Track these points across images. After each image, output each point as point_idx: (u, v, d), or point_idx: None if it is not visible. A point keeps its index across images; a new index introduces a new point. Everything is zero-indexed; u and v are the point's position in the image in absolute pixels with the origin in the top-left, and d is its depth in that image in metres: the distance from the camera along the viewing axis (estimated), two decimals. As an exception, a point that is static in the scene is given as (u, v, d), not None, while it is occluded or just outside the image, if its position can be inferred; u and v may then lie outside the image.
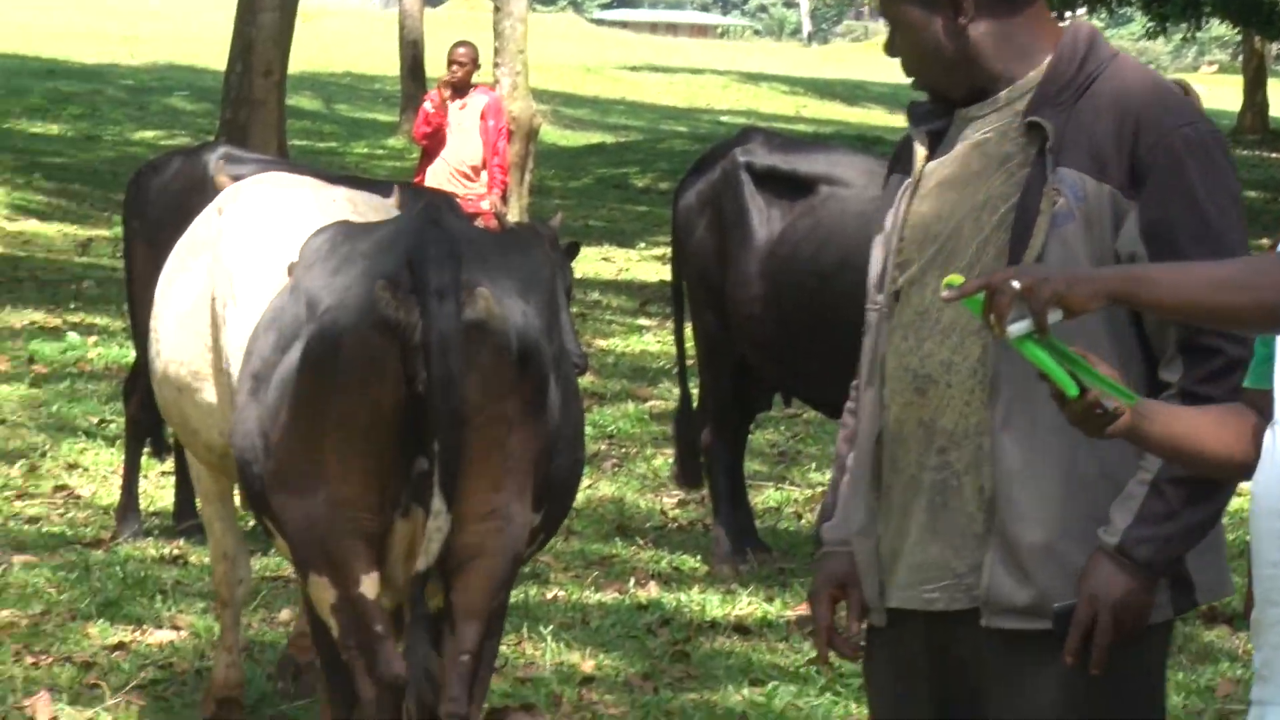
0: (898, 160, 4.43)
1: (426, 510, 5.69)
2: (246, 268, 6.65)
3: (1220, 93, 53.38)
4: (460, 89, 16.57)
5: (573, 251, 10.48)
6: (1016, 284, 3.43)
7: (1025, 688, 4.19)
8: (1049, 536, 4.14)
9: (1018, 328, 3.42)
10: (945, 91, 4.31)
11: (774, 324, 10.10)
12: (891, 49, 4.33)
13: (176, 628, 8.99)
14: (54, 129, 32.77)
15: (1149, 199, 4.09)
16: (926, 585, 4.25)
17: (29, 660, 8.47)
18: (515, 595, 9.71)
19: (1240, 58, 53.04)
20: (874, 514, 4.33)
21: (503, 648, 8.81)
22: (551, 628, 9.16)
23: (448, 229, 5.88)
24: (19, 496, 11.31)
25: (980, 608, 4.19)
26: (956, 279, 3.61)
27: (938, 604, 4.24)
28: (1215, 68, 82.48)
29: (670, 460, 12.02)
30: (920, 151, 4.30)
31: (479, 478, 5.76)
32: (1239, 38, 50.84)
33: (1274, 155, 41.87)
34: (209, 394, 6.95)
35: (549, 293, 6.13)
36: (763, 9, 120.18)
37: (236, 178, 9.69)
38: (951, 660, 4.27)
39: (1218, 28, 47.87)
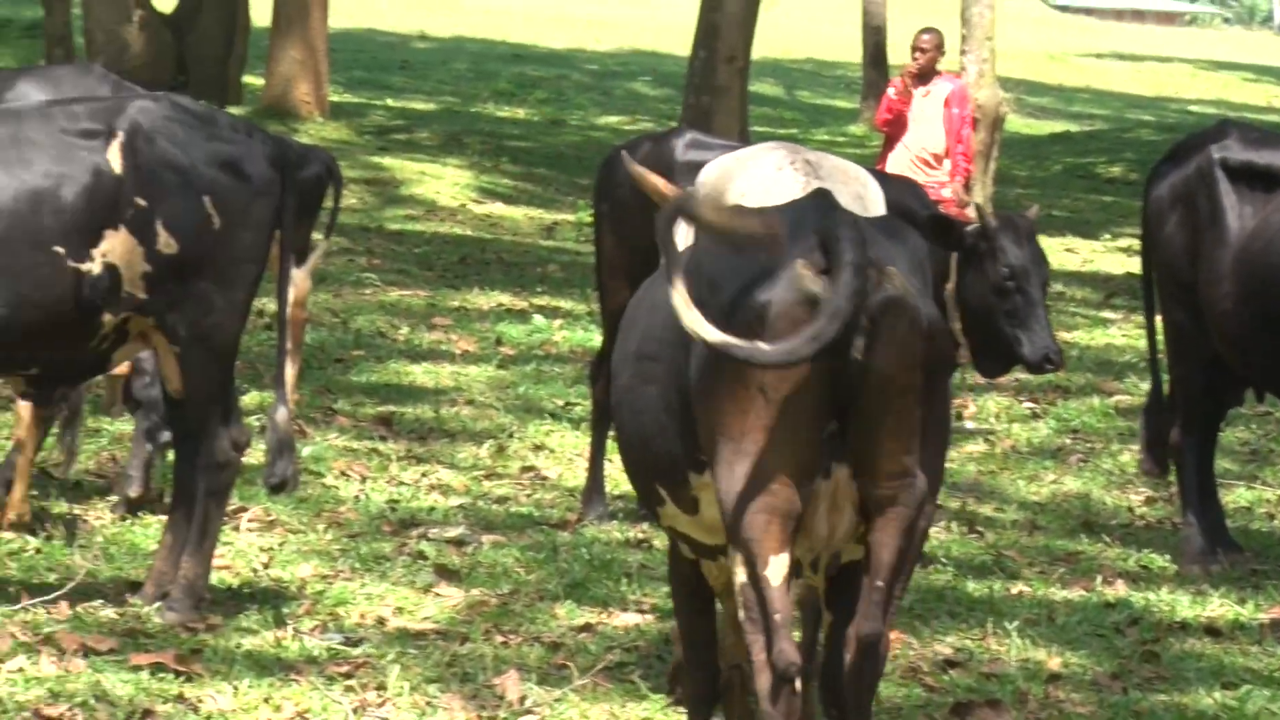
0: None
1: (875, 482, 6.01)
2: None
3: None
4: (924, 76, 16.48)
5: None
6: None
7: None
8: None
9: None
10: None
11: (1248, 320, 9.95)
12: None
13: (642, 610, 9.07)
14: (520, 113, 33.26)
15: None
16: None
17: (498, 639, 8.58)
18: (980, 589, 9.69)
19: None
20: None
21: (968, 642, 8.85)
22: (1017, 623, 9.08)
23: (846, 212, 6.08)
24: (487, 476, 11.48)
25: None
26: None
27: None
28: None
29: (1137, 457, 11.85)
30: None
31: (893, 441, 5.99)
32: None
33: None
34: None
35: (926, 273, 6.37)
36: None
37: (700, 163, 9.73)
38: None
39: None
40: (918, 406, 6.01)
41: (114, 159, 8.33)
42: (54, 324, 8.32)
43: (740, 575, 6.06)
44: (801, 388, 5.92)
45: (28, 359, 8.52)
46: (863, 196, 6.63)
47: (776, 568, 5.98)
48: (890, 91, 16.62)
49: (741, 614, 6.08)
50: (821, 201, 6.16)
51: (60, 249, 8.27)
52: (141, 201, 8.32)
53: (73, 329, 8.40)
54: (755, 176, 6.91)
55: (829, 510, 6.09)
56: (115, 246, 8.31)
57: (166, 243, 8.34)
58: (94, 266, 8.29)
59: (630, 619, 8.95)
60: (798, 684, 6.01)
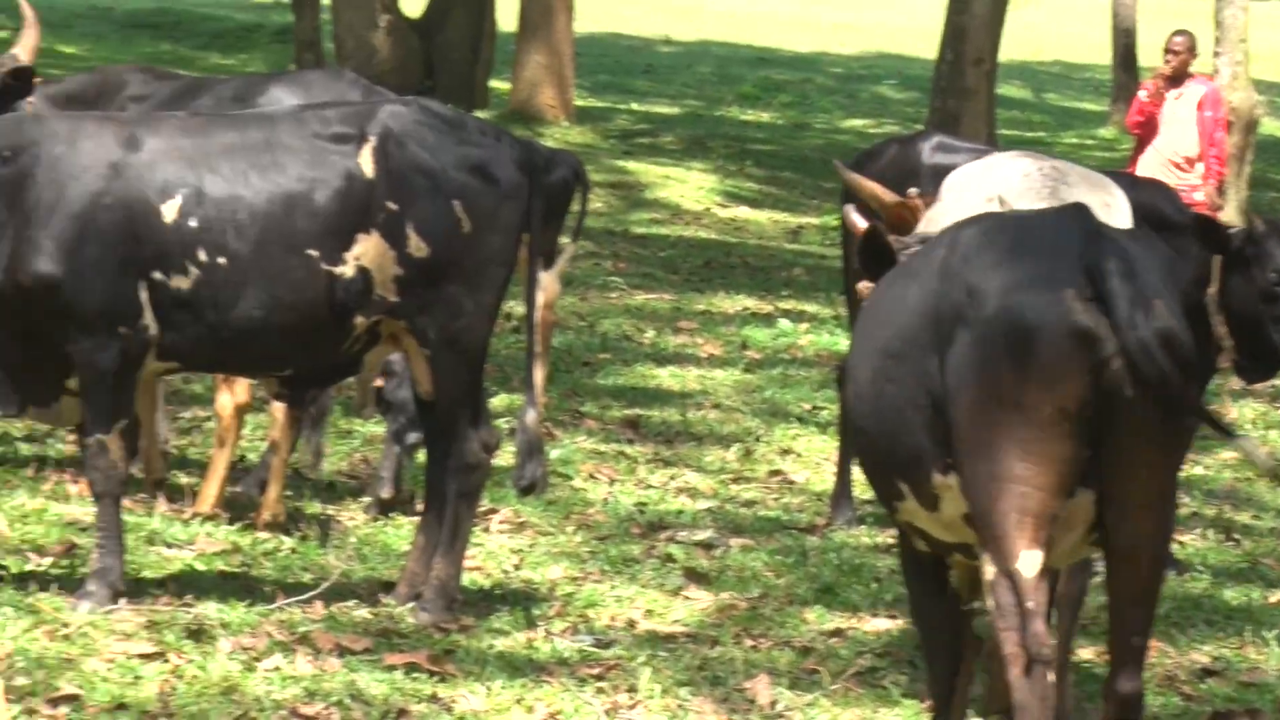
0: None
1: (1121, 508, 6.19)
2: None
3: None
4: (1176, 78, 16.40)
5: None
6: None
7: None
8: None
9: None
10: None
11: None
12: None
13: (893, 616, 9.02)
14: (764, 116, 33.26)
15: None
16: None
17: (748, 643, 8.59)
18: (1238, 597, 9.60)
19: None
20: None
21: (1225, 651, 8.77)
22: (1276, 632, 9.00)
23: (1111, 238, 6.25)
24: (735, 480, 11.49)
25: None
26: None
27: None
28: None
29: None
30: None
31: (1153, 468, 6.23)
32: None
33: None
34: None
35: (1178, 282, 6.73)
36: None
37: (947, 167, 9.78)
38: None
39: None
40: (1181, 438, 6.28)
41: (366, 163, 8.42)
42: (308, 326, 8.42)
43: (990, 572, 6.20)
44: (1066, 409, 6.09)
45: (282, 360, 8.63)
46: (1110, 205, 6.83)
47: (1029, 561, 6.11)
48: (1142, 94, 16.55)
49: (993, 608, 6.20)
50: (1082, 220, 6.28)
51: (314, 252, 8.38)
52: (393, 205, 8.40)
53: (326, 331, 8.50)
54: (1002, 182, 6.98)
55: (1063, 528, 6.23)
56: (368, 250, 8.40)
57: (418, 246, 8.41)
58: (347, 270, 8.39)
59: (881, 624, 8.93)
60: (1050, 673, 6.09)
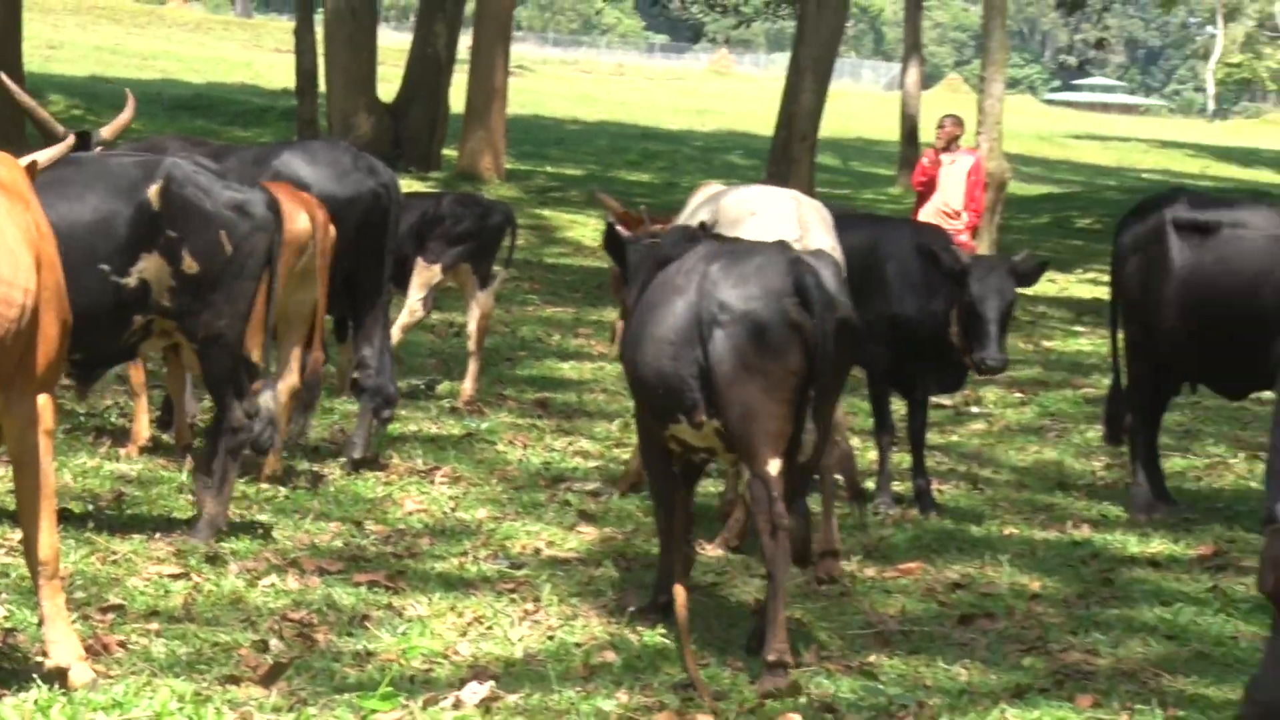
0: None
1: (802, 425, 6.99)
2: None
3: None
4: (948, 149, 16.50)
5: (1039, 271, 10.30)
6: None
7: None
8: None
9: None
10: None
11: (1184, 334, 9.98)
12: None
13: (734, 550, 8.99)
14: (645, 177, 33.23)
15: None
16: None
17: (624, 565, 8.57)
18: (981, 531, 9.66)
19: None
20: None
21: (971, 570, 8.82)
22: (1007, 556, 9.03)
23: (803, 260, 7.09)
24: (616, 445, 11.44)
25: None
26: None
27: None
28: None
29: (1098, 434, 11.77)
30: None
31: (833, 401, 7.30)
32: None
33: None
34: None
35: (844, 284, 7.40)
36: (1176, 93, 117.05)
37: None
38: None
39: None
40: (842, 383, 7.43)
41: (153, 199, 8.29)
42: (97, 322, 8.15)
43: (747, 474, 7.06)
44: (789, 375, 6.93)
45: (76, 348, 8.24)
46: (803, 233, 8.00)
47: (774, 467, 6.94)
48: (924, 161, 16.66)
49: (750, 496, 7.09)
50: (787, 251, 7.20)
51: (106, 266, 8.28)
52: (172, 233, 8.30)
53: (110, 326, 8.39)
54: (766, 203, 8.31)
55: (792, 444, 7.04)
56: (149, 266, 8.31)
57: (189, 264, 8.31)
58: (131, 280, 8.31)
59: (719, 552, 8.91)
60: (786, 536, 6.92)
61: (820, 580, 8.31)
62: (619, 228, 7.98)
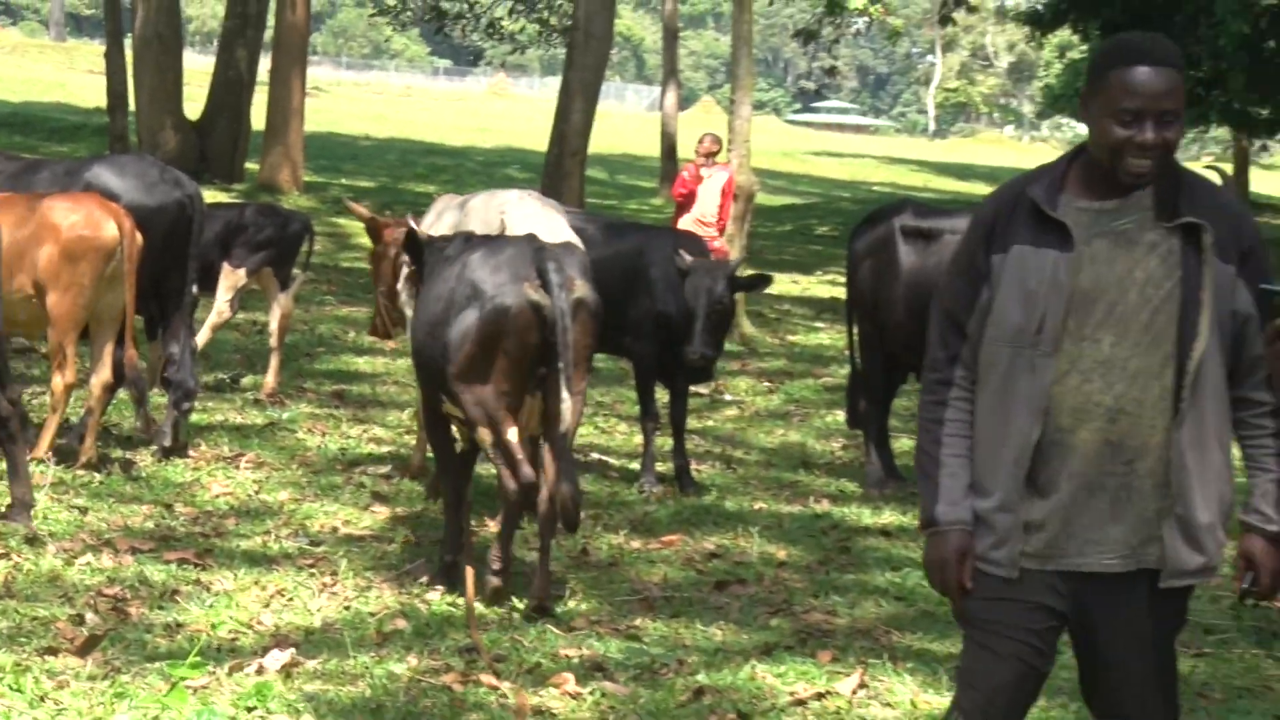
0: (1004, 234, 3.97)
1: (554, 396, 7.10)
2: None
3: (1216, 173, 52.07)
4: (706, 164, 16.59)
5: (760, 282, 10.39)
6: None
7: (1145, 623, 4.04)
8: (1212, 519, 3.99)
9: None
10: (1137, 185, 3.93)
11: (909, 331, 10.09)
12: (1167, 148, 3.89)
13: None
14: (431, 189, 32.90)
15: (1249, 275, 3.95)
16: (1105, 555, 3.98)
17: (413, 540, 8.49)
18: (734, 505, 9.72)
19: (1231, 150, 52.04)
20: (1022, 501, 3.98)
21: (725, 541, 8.85)
22: (757, 529, 9.11)
23: (549, 249, 7.28)
24: (406, 432, 11.33)
25: (1160, 571, 3.99)
26: None
27: (1114, 568, 3.99)
28: (1213, 157, 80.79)
29: (838, 418, 11.92)
30: (1073, 231, 3.90)
31: (579, 377, 7.23)
32: (1230, 136, 49.90)
33: (1257, 219, 40.96)
34: None
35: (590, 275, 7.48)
36: (902, 114, 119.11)
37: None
38: (1080, 604, 4.05)
39: (1216, 131, 46.92)
40: (590, 358, 7.49)
41: None
42: None
43: (490, 441, 7.20)
44: (529, 349, 7.13)
45: None
46: (559, 227, 7.92)
47: (513, 433, 7.17)
48: (684, 174, 16.73)
49: (494, 457, 7.24)
50: (533, 241, 7.35)
51: None
52: None
53: None
54: (510, 205, 8.20)
55: (529, 412, 7.27)
56: None
57: None
58: None
59: (494, 527, 8.87)
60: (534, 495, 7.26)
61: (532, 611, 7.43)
62: (418, 231, 7.91)
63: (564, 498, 7.13)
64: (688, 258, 9.94)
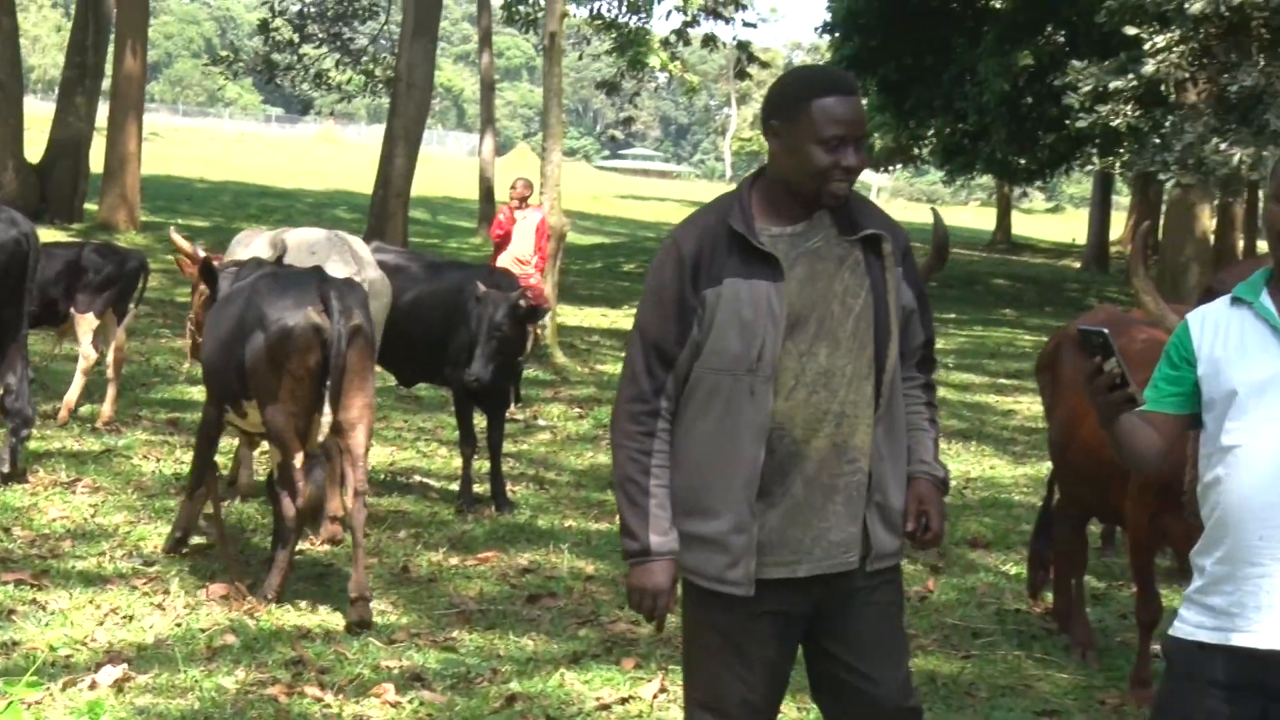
0: (712, 268, 3.86)
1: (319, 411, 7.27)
2: None
3: (981, 216, 53.40)
4: (520, 206, 16.56)
5: (535, 313, 10.32)
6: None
7: (872, 602, 4.01)
8: (899, 503, 4.01)
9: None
10: (832, 205, 3.94)
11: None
12: (860, 170, 3.90)
13: (338, 520, 8.83)
14: (264, 228, 32.64)
15: (908, 274, 4.02)
16: (849, 555, 3.95)
17: (245, 555, 8.31)
18: (546, 523, 9.67)
19: (994, 195, 53.30)
20: (753, 516, 3.88)
21: (538, 558, 8.79)
22: (567, 545, 9.07)
23: (332, 280, 7.47)
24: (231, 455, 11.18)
25: (867, 558, 3.97)
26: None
27: (853, 565, 3.96)
28: (979, 202, 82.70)
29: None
30: (780, 260, 3.86)
31: (354, 396, 7.33)
32: (994, 183, 51.11)
33: (1013, 257, 41.94)
34: None
35: (368, 308, 7.67)
36: (701, 161, 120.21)
37: (381, 261, 9.79)
38: (820, 605, 3.99)
39: (981, 178, 48.04)
40: (366, 380, 7.43)
41: None
42: None
43: (279, 460, 7.38)
44: (311, 368, 7.24)
45: None
46: (349, 263, 8.46)
47: (299, 456, 7.33)
48: (501, 216, 16.67)
49: (279, 479, 7.43)
50: (319, 273, 7.61)
51: None
52: None
53: None
54: (293, 239, 8.81)
55: (317, 429, 7.30)
56: None
57: None
58: None
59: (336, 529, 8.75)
60: (300, 503, 7.38)
61: (353, 625, 7.29)
62: (213, 260, 8.37)
63: (308, 498, 7.49)
64: (482, 287, 9.89)
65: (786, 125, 3.88)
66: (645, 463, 3.92)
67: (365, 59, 36.95)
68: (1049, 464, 8.37)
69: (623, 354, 18.43)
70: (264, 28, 36.20)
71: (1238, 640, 3.59)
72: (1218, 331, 3.73)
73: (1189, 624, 3.70)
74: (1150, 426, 3.73)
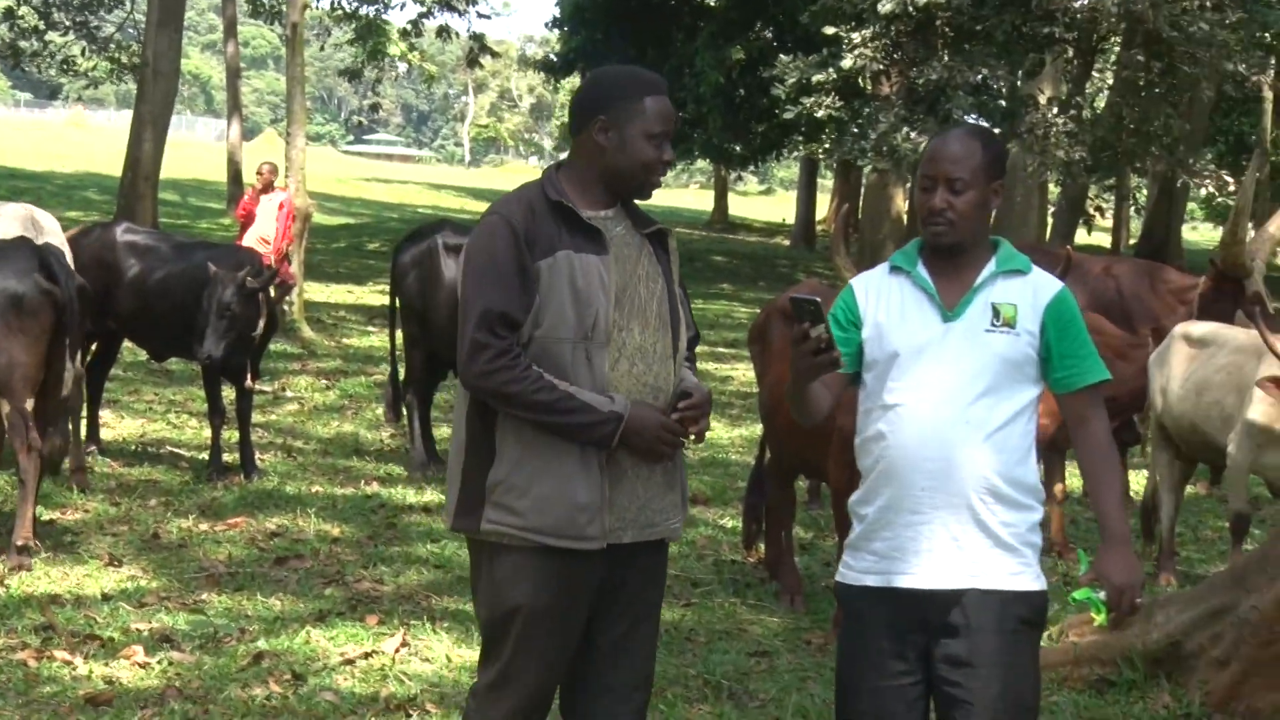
0: (544, 240, 3.77)
1: (59, 366, 7.39)
2: None
3: (700, 197, 54.17)
4: (265, 189, 16.28)
5: (281, 291, 10.12)
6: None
7: (655, 561, 4.01)
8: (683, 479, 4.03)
9: None
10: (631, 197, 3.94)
11: (452, 332, 9.95)
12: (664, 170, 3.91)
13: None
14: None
15: (677, 276, 4.03)
16: (672, 520, 3.93)
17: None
18: (294, 489, 9.49)
19: (712, 179, 54.07)
20: (602, 473, 3.80)
21: (284, 521, 8.63)
22: (315, 509, 8.95)
23: (47, 249, 7.53)
24: None
25: (676, 527, 3.97)
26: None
27: (675, 530, 3.97)
28: (699, 185, 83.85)
29: (387, 411, 11.78)
30: (607, 237, 3.83)
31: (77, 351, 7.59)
32: (711, 168, 51.87)
33: (730, 236, 42.62)
34: None
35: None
36: (442, 146, 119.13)
37: (132, 242, 9.53)
38: (622, 572, 3.90)
39: (700, 163, 48.70)
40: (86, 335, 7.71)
41: None
42: None
43: (7, 410, 7.32)
44: (43, 327, 7.34)
45: None
46: (29, 230, 8.27)
47: (30, 404, 7.36)
48: (246, 197, 16.38)
49: (9, 428, 7.37)
50: (33, 244, 7.62)
51: None
52: None
53: None
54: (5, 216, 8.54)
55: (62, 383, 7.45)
56: None
57: None
58: None
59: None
60: (37, 455, 7.37)
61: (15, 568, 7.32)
62: None
63: (54, 447, 7.51)
64: (213, 268, 9.64)
65: (620, 119, 3.83)
66: (542, 380, 3.73)
67: (113, 47, 35.62)
68: (761, 426, 8.53)
69: (368, 329, 18.27)
70: (9, 15, 34.64)
71: (901, 582, 3.70)
72: (880, 297, 3.84)
73: (855, 569, 3.79)
74: (821, 384, 3.81)
